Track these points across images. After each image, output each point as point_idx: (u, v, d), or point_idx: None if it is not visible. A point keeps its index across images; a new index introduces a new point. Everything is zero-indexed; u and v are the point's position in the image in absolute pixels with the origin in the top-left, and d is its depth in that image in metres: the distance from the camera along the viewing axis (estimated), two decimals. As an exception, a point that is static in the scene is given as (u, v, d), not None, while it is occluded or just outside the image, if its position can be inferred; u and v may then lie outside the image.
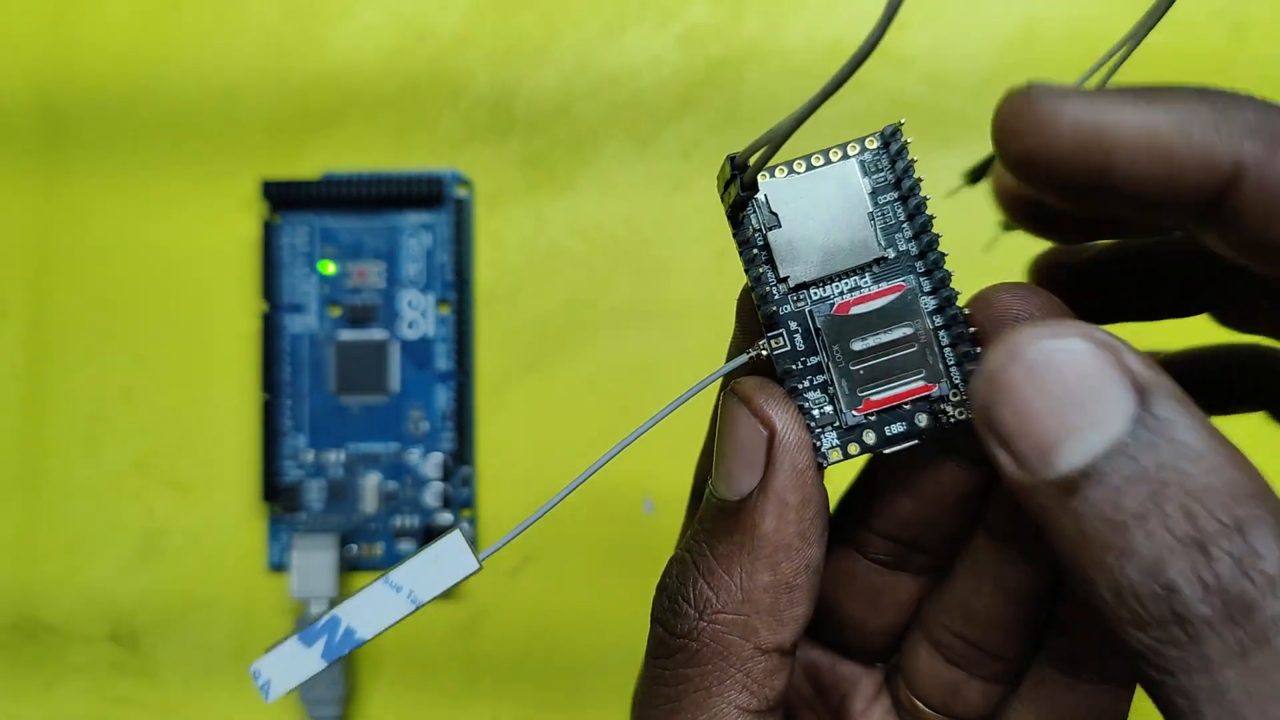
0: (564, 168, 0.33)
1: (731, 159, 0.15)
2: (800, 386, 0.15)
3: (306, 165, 0.33)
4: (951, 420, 0.15)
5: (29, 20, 0.33)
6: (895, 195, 0.15)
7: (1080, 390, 0.12)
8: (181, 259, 0.33)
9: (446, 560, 0.15)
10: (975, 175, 0.24)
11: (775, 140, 0.14)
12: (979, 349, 0.15)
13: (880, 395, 0.15)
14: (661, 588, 0.16)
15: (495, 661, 0.32)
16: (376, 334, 0.33)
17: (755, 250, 0.15)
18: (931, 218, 0.15)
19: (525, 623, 0.32)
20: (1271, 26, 0.33)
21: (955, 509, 0.17)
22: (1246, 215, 0.13)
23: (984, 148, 0.32)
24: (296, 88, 0.33)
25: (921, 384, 0.15)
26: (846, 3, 0.32)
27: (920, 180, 0.15)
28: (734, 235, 0.15)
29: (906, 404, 0.15)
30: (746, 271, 0.15)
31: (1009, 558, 0.17)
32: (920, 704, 0.18)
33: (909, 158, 0.15)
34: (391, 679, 0.33)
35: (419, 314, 0.33)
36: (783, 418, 0.15)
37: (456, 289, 0.32)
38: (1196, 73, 0.32)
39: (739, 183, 0.14)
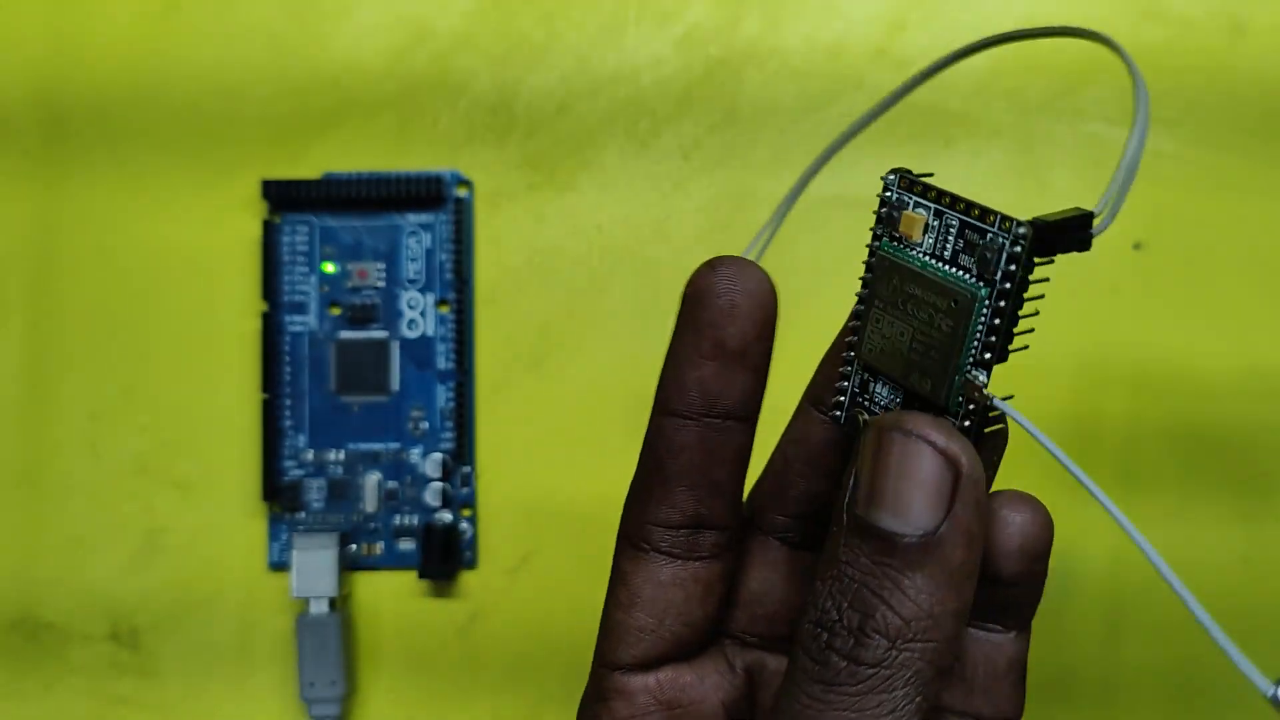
0: (564, 168, 0.33)
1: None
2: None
3: (307, 165, 0.33)
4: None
5: (29, 20, 0.33)
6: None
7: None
8: (182, 259, 0.33)
9: None
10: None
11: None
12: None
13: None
14: (821, 621, 0.16)
15: (495, 660, 0.32)
16: (377, 334, 0.33)
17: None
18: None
19: (525, 622, 0.32)
20: (1271, 26, 0.33)
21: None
22: None
23: (983, 146, 0.32)
24: (297, 88, 0.33)
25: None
26: (846, 3, 0.32)
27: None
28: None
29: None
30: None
31: None
32: None
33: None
34: (391, 679, 0.33)
35: (419, 314, 0.33)
36: (967, 453, 0.16)
37: (456, 289, 0.32)
38: (1196, 72, 0.33)
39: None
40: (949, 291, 0.17)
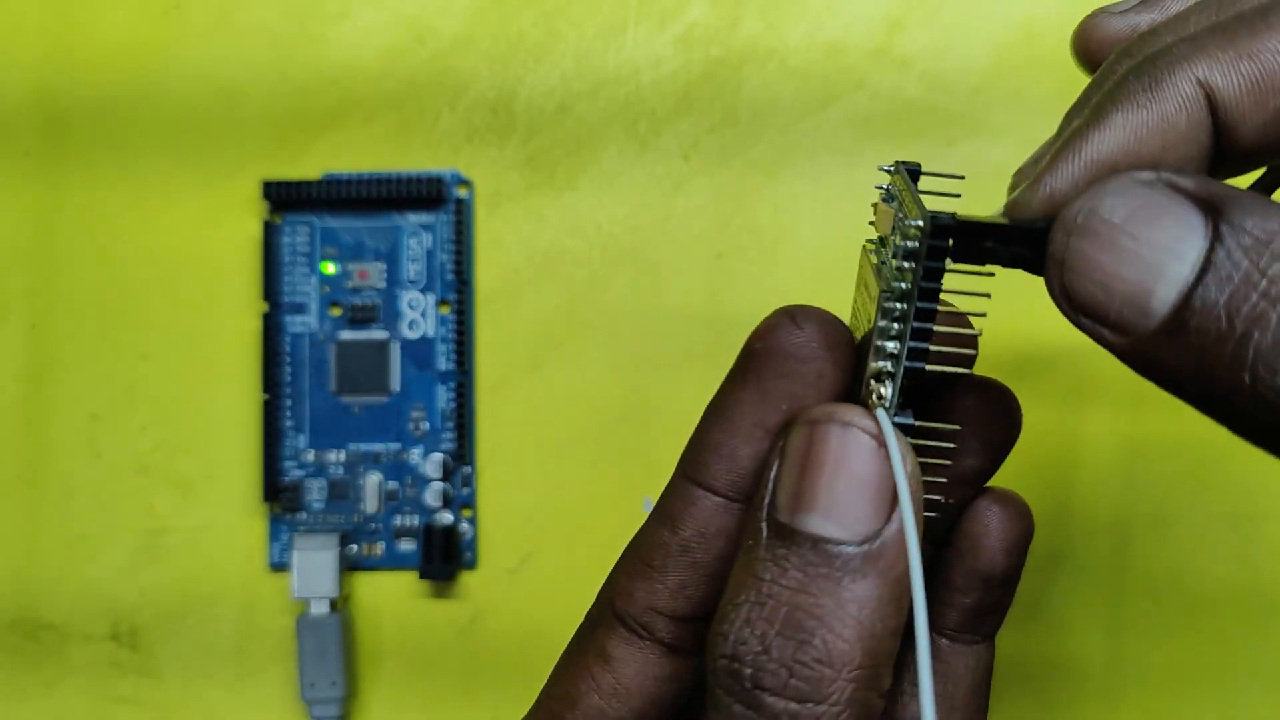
0: (564, 168, 0.33)
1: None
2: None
3: (307, 166, 0.33)
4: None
5: (29, 20, 0.33)
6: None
7: (1149, 230, 0.12)
8: (182, 259, 0.33)
9: None
10: None
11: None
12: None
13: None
14: (739, 655, 0.13)
15: (496, 661, 0.32)
16: (377, 334, 0.33)
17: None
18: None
19: (526, 622, 0.32)
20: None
21: None
22: (1237, 125, 0.14)
23: (984, 147, 0.32)
24: (297, 88, 0.33)
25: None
26: (846, 3, 0.32)
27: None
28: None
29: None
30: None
31: None
32: None
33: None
34: (391, 679, 0.33)
35: (419, 314, 0.33)
36: (904, 445, 0.14)
37: (456, 289, 0.32)
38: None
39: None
40: (880, 288, 0.15)
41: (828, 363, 0.15)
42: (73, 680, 0.33)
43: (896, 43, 0.32)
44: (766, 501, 0.14)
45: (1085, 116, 0.15)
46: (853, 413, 0.14)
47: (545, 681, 0.18)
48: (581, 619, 0.19)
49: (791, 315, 0.15)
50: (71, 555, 0.33)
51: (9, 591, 0.33)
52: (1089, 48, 0.17)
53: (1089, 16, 0.17)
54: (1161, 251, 0.12)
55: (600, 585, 0.20)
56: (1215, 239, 0.12)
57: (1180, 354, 0.12)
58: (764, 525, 0.14)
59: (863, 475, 0.14)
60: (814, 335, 0.15)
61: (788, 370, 0.15)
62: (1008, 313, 0.31)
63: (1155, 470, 0.32)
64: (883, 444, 0.14)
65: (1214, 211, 0.12)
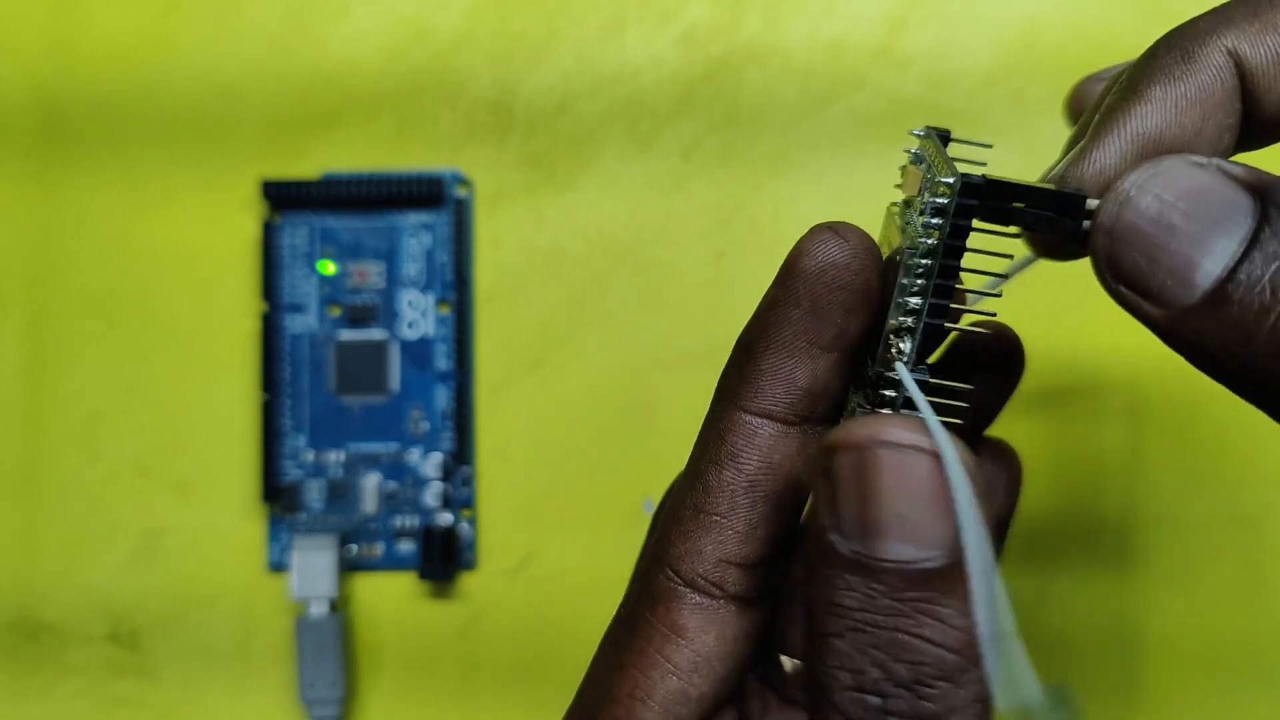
0: (564, 168, 0.33)
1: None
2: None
3: (306, 165, 0.33)
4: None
5: (29, 19, 0.33)
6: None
7: (1199, 207, 0.13)
8: (181, 259, 0.33)
9: None
10: None
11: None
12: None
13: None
14: (862, 685, 0.13)
15: (495, 661, 0.32)
16: (376, 334, 0.33)
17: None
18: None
19: (525, 623, 0.32)
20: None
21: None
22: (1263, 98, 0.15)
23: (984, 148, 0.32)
24: (296, 88, 0.33)
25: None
26: (847, 2, 0.32)
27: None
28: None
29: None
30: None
31: None
32: None
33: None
34: (391, 679, 0.33)
35: (419, 314, 0.33)
36: (948, 445, 0.13)
37: (456, 289, 0.32)
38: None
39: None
40: (905, 246, 0.15)
41: (875, 275, 0.15)
42: (72, 681, 0.33)
43: (897, 42, 0.32)
44: (831, 527, 0.14)
45: (1122, 91, 0.15)
46: (894, 428, 0.13)
47: (582, 690, 0.17)
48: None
49: (833, 229, 0.15)
50: (70, 556, 0.33)
51: (8, 592, 0.33)
52: (1081, 109, 0.18)
53: (1080, 82, 0.18)
54: (1209, 227, 0.13)
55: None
56: (1263, 219, 0.12)
57: (1220, 327, 0.12)
58: (835, 552, 0.13)
59: (927, 491, 0.13)
60: (859, 248, 0.15)
61: (842, 282, 0.15)
62: (1010, 314, 0.31)
63: (1156, 471, 0.32)
64: (933, 454, 0.13)
65: (1263, 195, 0.13)
